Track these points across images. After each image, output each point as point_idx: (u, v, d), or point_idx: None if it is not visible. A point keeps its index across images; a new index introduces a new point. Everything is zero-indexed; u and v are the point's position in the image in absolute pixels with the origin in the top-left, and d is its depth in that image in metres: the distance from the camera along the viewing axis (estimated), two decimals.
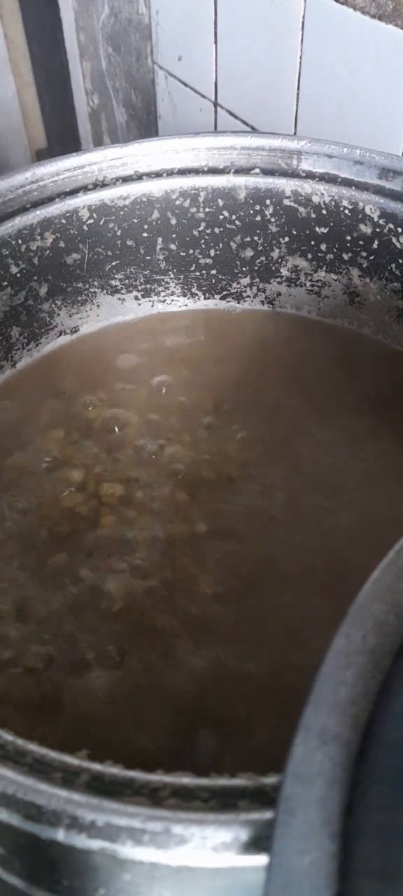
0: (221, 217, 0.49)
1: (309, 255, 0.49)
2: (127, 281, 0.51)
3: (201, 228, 0.50)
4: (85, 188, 0.46)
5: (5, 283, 0.45)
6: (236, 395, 0.46)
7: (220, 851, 0.19)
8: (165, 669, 0.33)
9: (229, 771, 0.21)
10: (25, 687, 0.33)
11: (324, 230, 0.47)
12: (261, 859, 0.19)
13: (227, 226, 0.49)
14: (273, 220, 0.48)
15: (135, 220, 0.48)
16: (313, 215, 0.47)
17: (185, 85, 0.73)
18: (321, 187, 0.46)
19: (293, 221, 0.48)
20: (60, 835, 0.20)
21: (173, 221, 0.49)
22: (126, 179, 0.47)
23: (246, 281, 0.52)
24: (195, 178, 0.48)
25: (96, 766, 0.21)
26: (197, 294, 0.53)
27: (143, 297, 0.52)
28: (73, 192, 0.46)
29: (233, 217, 0.49)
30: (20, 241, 0.45)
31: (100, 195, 0.46)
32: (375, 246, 0.46)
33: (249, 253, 0.50)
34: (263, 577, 0.37)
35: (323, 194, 0.46)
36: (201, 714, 0.32)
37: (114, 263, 0.50)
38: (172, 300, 0.53)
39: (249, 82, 0.63)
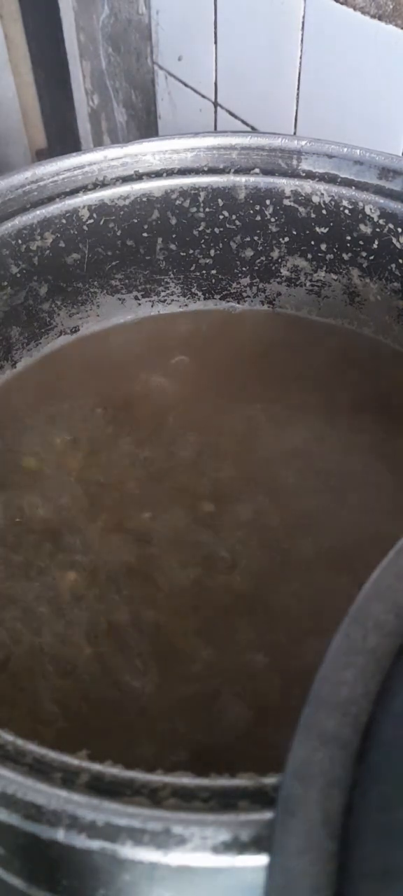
0: (221, 217, 0.49)
1: (309, 255, 0.49)
2: (127, 281, 0.51)
3: (201, 228, 0.50)
4: (85, 188, 0.46)
5: (5, 283, 0.45)
6: (236, 394, 0.46)
7: (220, 851, 0.19)
8: None
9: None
10: None
11: (324, 230, 0.47)
12: (261, 859, 0.19)
13: (227, 226, 0.49)
14: (273, 220, 0.48)
15: (135, 220, 0.48)
16: (313, 215, 0.47)
17: (185, 85, 0.73)
18: (321, 187, 0.46)
19: (293, 221, 0.48)
20: (60, 835, 0.20)
21: (173, 221, 0.49)
22: (126, 179, 0.47)
23: (246, 281, 0.52)
24: (195, 178, 0.48)
25: (96, 766, 0.21)
26: (197, 294, 0.53)
27: (143, 297, 0.52)
28: (73, 192, 0.46)
29: (233, 217, 0.49)
30: (20, 241, 0.45)
31: (100, 195, 0.46)
32: (375, 246, 0.46)
33: (249, 253, 0.50)
34: (258, 579, 0.37)
35: (322, 194, 0.46)
36: None
37: (114, 263, 0.50)
38: (172, 300, 0.53)
39: (249, 82, 0.63)
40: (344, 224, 0.46)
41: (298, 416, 0.45)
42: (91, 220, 0.47)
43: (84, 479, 0.42)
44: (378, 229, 0.45)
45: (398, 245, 0.45)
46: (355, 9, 0.50)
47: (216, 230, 0.50)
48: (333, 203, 0.46)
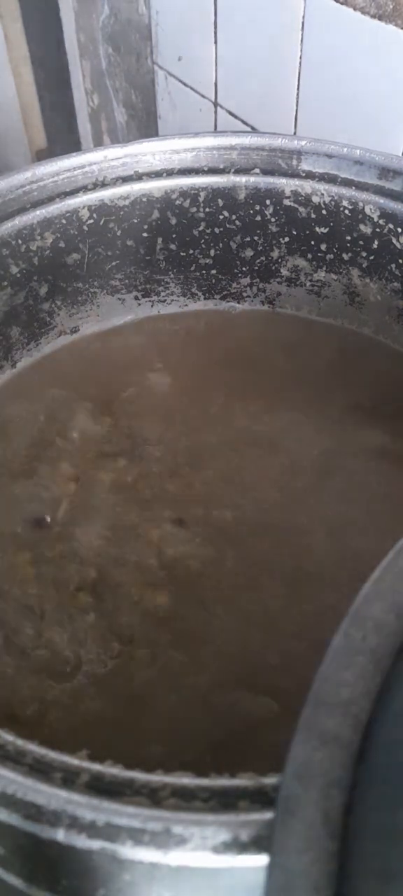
0: (221, 217, 0.49)
1: (309, 255, 0.49)
2: (127, 281, 0.51)
3: (201, 228, 0.50)
4: (85, 188, 0.46)
5: (5, 283, 0.45)
6: (236, 394, 0.46)
7: (220, 851, 0.19)
8: None
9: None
10: None
11: (324, 230, 0.47)
12: (261, 859, 0.19)
13: (227, 226, 0.49)
14: (273, 220, 0.48)
15: (135, 220, 0.48)
16: (313, 215, 0.47)
17: (185, 85, 0.73)
18: (321, 187, 0.46)
19: (293, 221, 0.48)
20: (60, 835, 0.20)
21: (173, 221, 0.49)
22: (126, 179, 0.47)
23: (246, 281, 0.52)
24: (195, 178, 0.48)
25: (96, 766, 0.21)
26: (197, 294, 0.53)
27: (143, 297, 0.52)
28: (73, 192, 0.46)
29: (233, 217, 0.49)
30: (20, 241, 0.45)
31: (100, 195, 0.46)
32: (375, 246, 0.46)
33: (249, 253, 0.50)
34: (255, 581, 0.37)
35: (323, 194, 0.46)
36: None
37: (114, 263, 0.50)
38: (172, 300, 0.53)
39: (249, 82, 0.63)
40: (344, 224, 0.46)
41: (298, 415, 0.45)
42: (91, 220, 0.47)
43: (83, 478, 0.42)
44: (378, 229, 0.45)
45: (398, 245, 0.45)
46: (355, 9, 0.50)
47: (216, 230, 0.50)
48: (333, 203, 0.46)
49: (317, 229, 0.48)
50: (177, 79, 0.74)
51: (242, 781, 0.21)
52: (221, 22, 0.64)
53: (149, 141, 0.48)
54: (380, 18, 0.48)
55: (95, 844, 0.19)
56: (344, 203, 0.45)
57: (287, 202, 0.47)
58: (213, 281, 0.52)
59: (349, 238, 0.47)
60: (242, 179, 0.47)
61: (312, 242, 0.48)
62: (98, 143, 0.97)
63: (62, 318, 0.50)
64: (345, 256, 0.48)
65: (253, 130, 0.65)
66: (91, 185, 0.46)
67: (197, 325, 0.52)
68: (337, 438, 0.43)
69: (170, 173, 0.47)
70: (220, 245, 0.50)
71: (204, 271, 0.52)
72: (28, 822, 0.20)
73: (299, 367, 0.48)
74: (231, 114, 0.68)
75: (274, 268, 0.51)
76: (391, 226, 0.44)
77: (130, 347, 0.50)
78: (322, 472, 0.41)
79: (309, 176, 0.46)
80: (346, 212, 0.46)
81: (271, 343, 0.51)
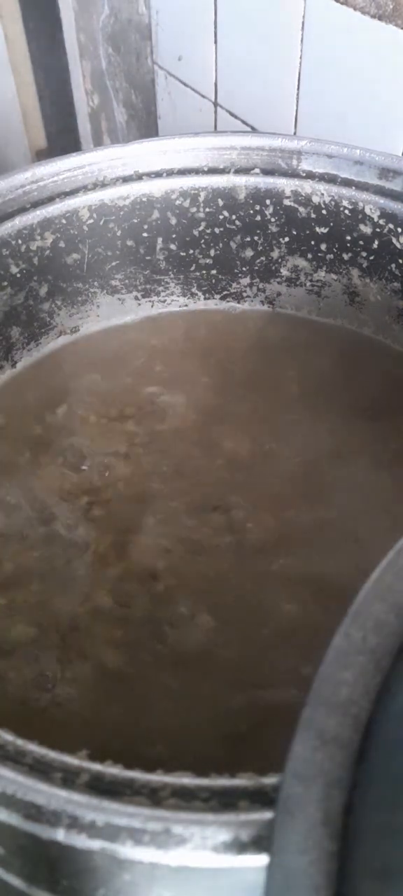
0: (221, 217, 0.49)
1: (309, 255, 0.49)
2: (127, 281, 0.51)
3: (201, 228, 0.50)
4: (85, 188, 0.46)
5: (5, 283, 0.45)
6: (236, 394, 0.46)
7: (220, 851, 0.19)
8: None
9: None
10: None
11: (324, 230, 0.47)
12: (261, 859, 0.19)
13: (227, 226, 0.49)
14: (273, 220, 0.48)
15: (135, 220, 0.48)
16: (313, 215, 0.47)
17: (185, 85, 0.73)
18: (321, 187, 0.46)
19: (293, 221, 0.48)
20: (60, 835, 0.20)
21: (173, 221, 0.49)
22: (126, 179, 0.47)
23: (246, 281, 0.52)
24: (195, 178, 0.48)
25: (96, 766, 0.21)
26: (197, 294, 0.53)
27: (143, 297, 0.52)
28: (73, 192, 0.46)
29: (233, 217, 0.49)
30: (20, 241, 0.45)
31: (100, 195, 0.46)
32: (375, 246, 0.46)
33: (249, 253, 0.50)
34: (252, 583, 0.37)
35: (323, 194, 0.46)
36: None
37: (114, 263, 0.50)
38: (172, 300, 0.53)
39: (249, 82, 0.63)
40: (344, 224, 0.46)
41: (298, 415, 0.45)
42: (91, 220, 0.47)
43: (83, 477, 0.42)
44: (378, 229, 0.45)
45: (398, 245, 0.45)
46: (355, 9, 0.50)
47: (216, 230, 0.50)
48: (333, 203, 0.46)
49: (317, 229, 0.48)
50: (177, 79, 0.74)
51: (242, 781, 0.21)
52: (221, 22, 0.64)
53: (149, 141, 0.48)
54: (380, 18, 0.48)
55: (95, 844, 0.19)
56: (344, 203, 0.45)
57: (287, 202, 0.47)
58: (213, 281, 0.52)
59: (349, 238, 0.47)
60: (242, 179, 0.47)
61: (312, 242, 0.48)
62: (98, 143, 0.97)
63: (62, 318, 0.50)
64: (345, 256, 0.48)
65: (253, 130, 0.65)
66: (91, 185, 0.46)
67: (197, 325, 0.52)
68: (337, 438, 0.43)
69: (170, 173, 0.47)
70: (220, 245, 0.50)
71: (204, 271, 0.52)
72: (28, 822, 0.20)
73: (299, 367, 0.48)
74: (231, 114, 0.68)
75: (274, 268, 0.51)
76: (391, 226, 0.44)
77: (130, 348, 0.50)
78: (322, 472, 0.41)
79: (309, 176, 0.46)
80: (346, 212, 0.46)
81: (271, 343, 0.51)
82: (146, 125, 0.85)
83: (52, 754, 0.22)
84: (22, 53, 0.90)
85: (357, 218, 0.45)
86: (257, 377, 0.48)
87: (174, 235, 0.50)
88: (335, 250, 0.48)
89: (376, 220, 0.45)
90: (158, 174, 0.47)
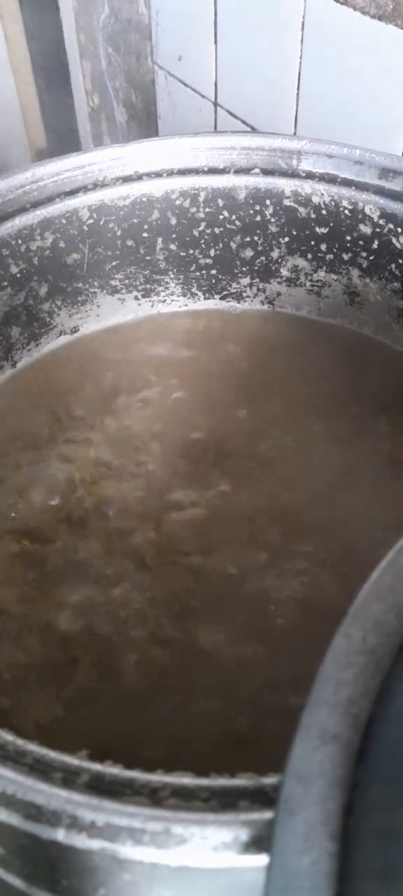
0: (221, 217, 0.49)
1: (309, 255, 0.49)
2: (127, 281, 0.51)
3: (201, 228, 0.50)
4: (85, 188, 0.46)
5: (5, 283, 0.45)
6: (236, 394, 0.46)
7: (220, 851, 0.19)
8: None
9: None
10: None
11: (324, 230, 0.47)
12: (261, 859, 0.19)
13: (227, 226, 0.49)
14: (273, 220, 0.48)
15: (135, 220, 0.48)
16: (313, 215, 0.47)
17: (185, 85, 0.73)
18: (321, 187, 0.46)
19: (293, 221, 0.48)
20: (60, 835, 0.20)
21: (173, 221, 0.49)
22: (126, 179, 0.47)
23: (246, 281, 0.52)
24: (195, 178, 0.48)
25: (96, 766, 0.21)
26: (197, 294, 0.53)
27: (143, 297, 0.52)
28: (73, 192, 0.46)
29: (233, 217, 0.49)
30: (20, 241, 0.45)
31: (100, 195, 0.46)
32: (375, 246, 0.46)
33: (249, 253, 0.50)
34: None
35: (323, 194, 0.46)
36: None
37: (114, 263, 0.50)
38: (172, 300, 0.53)
39: (249, 82, 0.63)
40: (344, 224, 0.46)
41: (298, 415, 0.45)
42: (91, 220, 0.47)
43: (82, 478, 0.42)
44: (378, 229, 0.45)
45: (398, 245, 0.45)
46: (355, 9, 0.50)
47: (216, 230, 0.50)
48: (333, 203, 0.46)
49: (317, 229, 0.47)
50: (177, 79, 0.74)
51: (242, 781, 0.21)
52: (221, 22, 0.64)
53: (149, 141, 0.48)
54: (380, 18, 0.48)
55: (95, 844, 0.19)
56: (344, 203, 0.45)
57: (287, 202, 0.47)
58: (213, 281, 0.52)
59: (349, 238, 0.47)
60: (242, 179, 0.47)
61: (312, 242, 0.48)
62: (98, 143, 0.97)
63: (62, 318, 0.50)
64: (345, 256, 0.48)
65: (253, 130, 0.65)
66: (91, 185, 0.46)
67: (197, 325, 0.52)
68: (337, 438, 0.43)
69: (170, 173, 0.47)
70: (220, 245, 0.50)
71: (204, 271, 0.52)
72: (28, 822, 0.20)
73: (299, 367, 0.48)
74: (231, 114, 0.68)
75: (274, 268, 0.51)
76: (391, 226, 0.44)
77: (130, 348, 0.50)
78: (322, 472, 0.41)
79: (309, 176, 0.46)
80: (346, 212, 0.46)
81: (271, 343, 0.51)
82: (146, 125, 0.85)
83: (52, 754, 0.22)
84: (22, 53, 0.91)
85: (357, 218, 0.45)
86: (257, 377, 0.48)
87: (174, 235, 0.50)
88: (335, 250, 0.48)
89: (376, 220, 0.45)
90: (158, 174, 0.47)
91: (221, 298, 0.53)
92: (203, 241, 0.50)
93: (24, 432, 0.44)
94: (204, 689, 0.32)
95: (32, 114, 0.95)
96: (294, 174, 0.46)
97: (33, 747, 0.22)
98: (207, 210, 0.49)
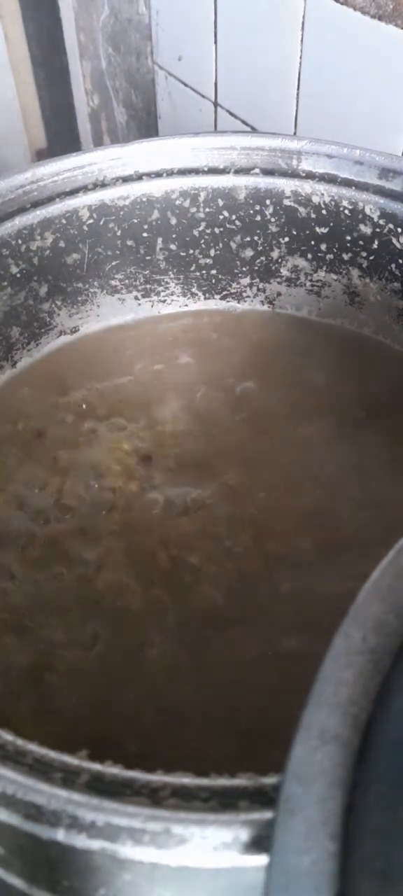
0: (221, 217, 0.49)
1: (309, 255, 0.49)
2: (127, 281, 0.51)
3: (201, 228, 0.50)
4: (85, 188, 0.46)
5: (5, 283, 0.45)
6: (235, 394, 0.46)
7: (220, 851, 0.19)
8: None
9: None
10: None
11: (324, 230, 0.47)
12: (261, 859, 0.19)
13: (227, 226, 0.49)
14: (273, 220, 0.48)
15: (135, 220, 0.48)
16: (313, 215, 0.47)
17: (185, 85, 0.73)
18: (321, 187, 0.46)
19: (293, 221, 0.48)
20: (60, 835, 0.20)
21: (173, 221, 0.49)
22: (126, 179, 0.47)
23: (246, 281, 0.52)
24: (195, 178, 0.48)
25: (96, 766, 0.21)
26: (197, 294, 0.53)
27: (143, 297, 0.52)
28: (73, 192, 0.46)
29: (233, 217, 0.49)
30: (20, 241, 0.45)
31: (100, 195, 0.46)
32: (375, 246, 0.46)
33: (249, 253, 0.50)
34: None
35: (323, 194, 0.46)
36: None
37: (114, 263, 0.50)
38: (172, 300, 0.53)
39: (249, 82, 0.63)
40: (344, 224, 0.46)
41: (298, 415, 0.45)
42: (91, 220, 0.47)
43: (82, 477, 0.42)
44: (378, 229, 0.45)
45: (398, 245, 0.45)
46: (355, 9, 0.50)
47: (216, 230, 0.50)
48: (333, 203, 0.46)
49: (317, 229, 0.48)
50: (177, 79, 0.74)
51: (242, 781, 0.21)
52: (221, 22, 0.64)
53: (149, 141, 0.48)
54: (380, 18, 0.48)
55: (95, 844, 0.19)
56: (344, 203, 0.45)
57: (287, 202, 0.47)
58: (213, 281, 0.52)
59: (349, 238, 0.47)
60: (242, 179, 0.47)
61: (312, 242, 0.48)
62: (98, 143, 0.97)
63: (62, 318, 0.50)
64: (345, 256, 0.48)
65: (253, 130, 0.65)
66: (91, 185, 0.46)
67: (197, 326, 0.52)
68: (337, 438, 0.43)
69: (170, 173, 0.47)
70: (220, 245, 0.50)
71: (204, 271, 0.52)
72: (28, 822, 0.20)
73: (299, 367, 0.48)
74: (231, 114, 0.68)
75: (274, 268, 0.51)
76: (391, 226, 0.44)
77: (130, 348, 0.50)
78: (322, 472, 0.41)
79: (309, 176, 0.46)
80: (346, 212, 0.46)
81: (271, 343, 0.51)
82: (146, 125, 0.85)
83: (52, 754, 0.22)
84: (22, 53, 0.91)
85: (357, 218, 0.45)
86: (257, 377, 0.48)
87: (174, 235, 0.50)
88: (335, 250, 0.48)
89: (376, 220, 0.45)
90: (158, 174, 0.47)
91: (221, 298, 0.53)
92: (203, 241, 0.50)
93: (24, 433, 0.44)
94: None
95: (32, 114, 0.95)
96: (294, 174, 0.46)
97: (33, 747, 0.22)
98: (207, 210, 0.49)
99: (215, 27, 0.65)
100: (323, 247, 0.48)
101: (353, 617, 0.21)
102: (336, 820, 0.17)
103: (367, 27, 0.49)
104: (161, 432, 0.44)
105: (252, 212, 0.48)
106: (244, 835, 0.19)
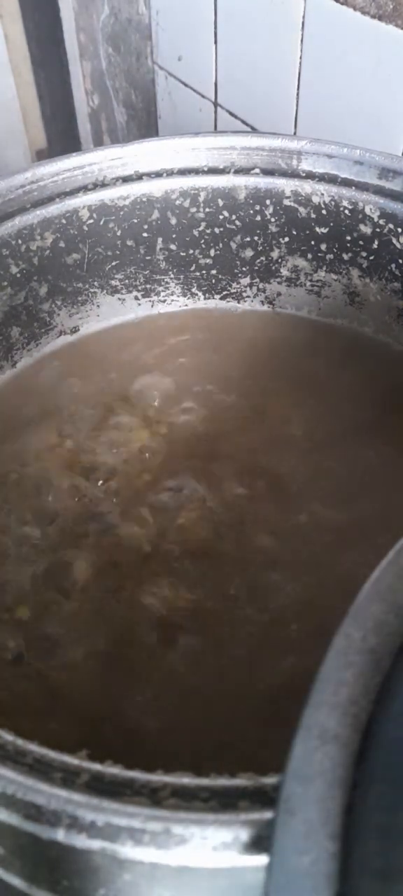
0: (221, 217, 0.49)
1: (309, 255, 0.49)
2: (127, 281, 0.51)
3: (201, 228, 0.50)
4: (85, 188, 0.46)
5: (5, 283, 0.45)
6: (235, 394, 0.46)
7: (220, 851, 0.19)
8: None
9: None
10: None
11: (324, 230, 0.47)
12: (261, 859, 0.19)
13: (227, 226, 0.49)
14: (273, 220, 0.48)
15: (135, 220, 0.48)
16: (313, 215, 0.47)
17: (185, 85, 0.73)
18: (321, 187, 0.46)
19: (293, 221, 0.48)
20: (60, 835, 0.20)
21: (173, 221, 0.49)
22: (126, 179, 0.47)
23: (246, 281, 0.52)
24: (195, 178, 0.48)
25: (96, 766, 0.21)
26: (197, 294, 0.53)
27: (143, 297, 0.52)
28: (73, 192, 0.46)
29: (233, 217, 0.49)
30: (20, 241, 0.45)
31: (100, 195, 0.46)
32: (375, 246, 0.46)
33: (249, 253, 0.50)
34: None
35: (323, 194, 0.46)
36: None
37: (114, 263, 0.50)
38: (172, 300, 0.53)
39: (249, 82, 0.63)
40: (344, 224, 0.46)
41: (298, 415, 0.45)
42: (91, 220, 0.47)
43: (82, 477, 0.42)
44: (378, 229, 0.45)
45: (398, 245, 0.45)
46: (355, 9, 0.50)
47: (216, 230, 0.50)
48: (333, 203, 0.46)
49: (317, 229, 0.48)
50: (177, 79, 0.74)
51: (242, 781, 0.21)
52: (221, 22, 0.64)
53: (149, 141, 0.48)
54: (380, 18, 0.49)
55: (95, 844, 0.19)
56: (344, 203, 0.45)
57: (287, 202, 0.47)
58: (213, 281, 0.52)
59: (349, 238, 0.47)
60: (242, 179, 0.47)
61: (312, 242, 0.48)
62: (98, 143, 0.97)
63: (62, 318, 0.50)
64: (345, 256, 0.48)
65: (253, 130, 0.65)
66: (91, 185, 0.46)
67: (197, 326, 0.52)
68: (337, 438, 0.43)
69: (170, 173, 0.47)
70: (220, 245, 0.50)
71: (204, 271, 0.52)
72: (28, 822, 0.20)
73: (299, 367, 0.48)
74: (231, 114, 0.68)
75: (274, 268, 0.51)
76: (391, 226, 0.44)
77: (130, 348, 0.50)
78: (322, 472, 0.41)
79: (309, 176, 0.46)
80: (346, 212, 0.46)
81: (271, 343, 0.51)
82: (146, 125, 0.85)
83: (52, 754, 0.22)
84: (22, 53, 0.91)
85: (357, 218, 0.45)
86: (256, 377, 0.48)
87: (174, 235, 0.50)
88: (335, 250, 0.48)
89: (376, 220, 0.45)
90: (158, 174, 0.47)
91: (221, 298, 0.53)
92: (203, 241, 0.50)
93: (23, 433, 0.44)
94: None
95: (32, 114, 0.95)
96: (294, 174, 0.46)
97: (33, 747, 0.22)
98: (207, 210, 0.49)
99: (215, 27, 0.65)
100: (323, 247, 0.48)
101: (353, 617, 0.21)
102: (336, 820, 0.17)
103: (367, 27, 0.49)
104: (161, 432, 0.44)
105: (252, 212, 0.48)
106: (244, 835, 0.19)
